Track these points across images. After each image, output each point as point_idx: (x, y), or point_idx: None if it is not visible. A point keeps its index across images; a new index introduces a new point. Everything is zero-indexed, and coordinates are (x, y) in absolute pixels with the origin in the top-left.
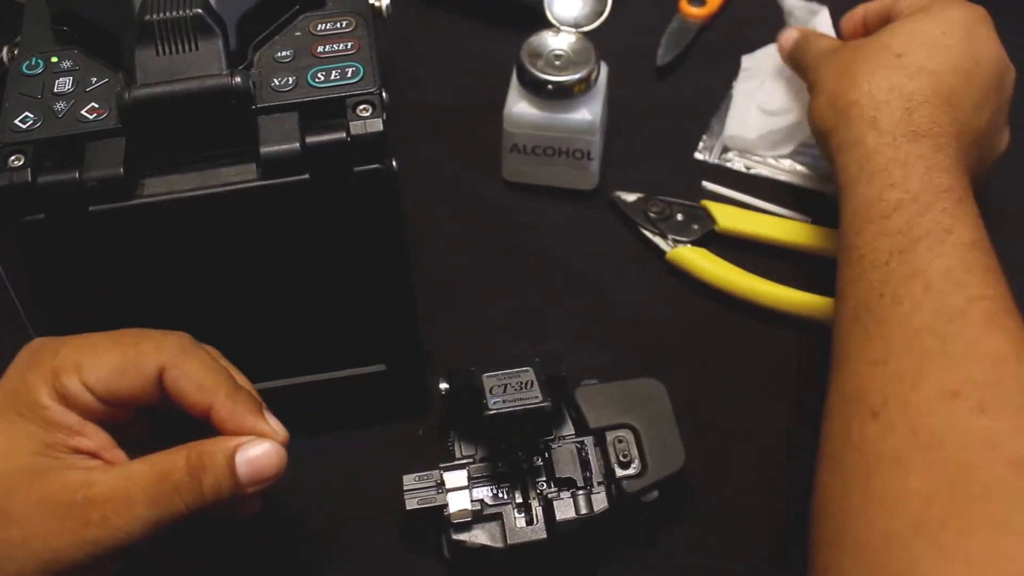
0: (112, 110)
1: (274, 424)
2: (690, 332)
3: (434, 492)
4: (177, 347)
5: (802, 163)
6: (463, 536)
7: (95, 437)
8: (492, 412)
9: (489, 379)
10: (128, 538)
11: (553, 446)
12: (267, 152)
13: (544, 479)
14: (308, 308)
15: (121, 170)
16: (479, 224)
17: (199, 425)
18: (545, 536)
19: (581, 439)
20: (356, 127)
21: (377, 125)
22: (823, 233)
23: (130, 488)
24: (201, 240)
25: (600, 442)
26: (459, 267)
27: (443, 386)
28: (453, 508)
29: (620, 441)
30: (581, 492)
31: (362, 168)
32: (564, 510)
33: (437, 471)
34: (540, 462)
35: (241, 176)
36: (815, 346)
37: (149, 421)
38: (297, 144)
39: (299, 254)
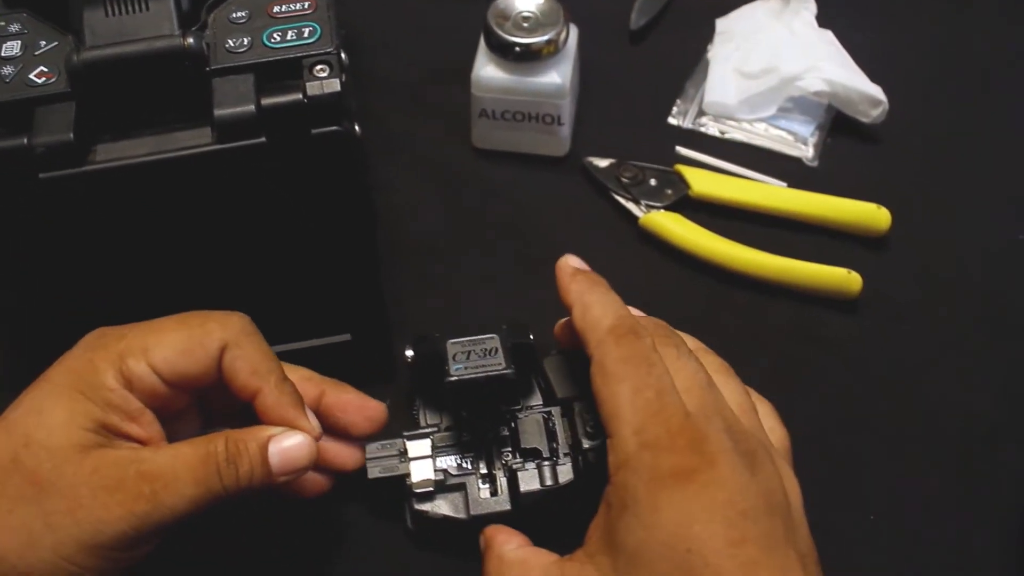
0: (62, 74)
1: (313, 420)
2: (663, 298)
3: (397, 461)
4: (240, 327)
5: (777, 127)
6: (425, 506)
7: (149, 428)
8: (454, 379)
9: (453, 346)
10: (172, 515)
11: (519, 416)
12: (221, 115)
13: (510, 449)
14: (270, 277)
15: (71, 135)
16: (448, 192)
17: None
18: (509, 508)
19: (548, 409)
20: (313, 88)
21: (334, 85)
22: (798, 197)
23: (178, 466)
24: (157, 207)
25: (567, 412)
26: (428, 235)
27: (409, 353)
28: (416, 478)
29: (588, 411)
30: (547, 463)
31: (320, 130)
32: (528, 481)
33: (400, 440)
34: (506, 432)
35: (196, 140)
36: (790, 311)
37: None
38: (252, 106)
39: (259, 221)
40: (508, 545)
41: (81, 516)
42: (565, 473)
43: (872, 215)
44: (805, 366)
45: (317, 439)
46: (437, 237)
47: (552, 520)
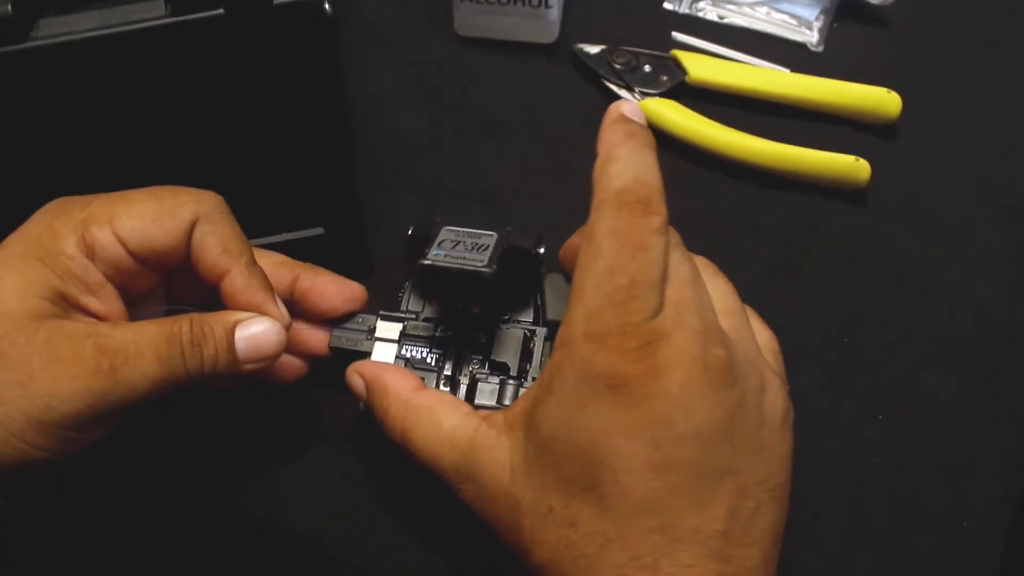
0: None
1: (281, 307)
2: None
3: (363, 337)
4: (214, 203)
5: (780, 11)
6: None
7: (109, 303)
8: (427, 262)
9: (447, 232)
10: (131, 395)
11: (501, 327)
12: None
13: (480, 358)
14: (237, 164)
15: (9, 7)
16: (429, 83)
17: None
18: None
19: (534, 328)
20: None
21: None
22: (803, 82)
23: (141, 343)
24: (107, 87)
25: (552, 336)
26: (407, 129)
27: (410, 231)
28: (374, 359)
29: None
30: (511, 382)
31: (283, 1)
32: (486, 396)
33: (374, 317)
34: (484, 340)
35: (148, 13)
36: (794, 201)
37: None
38: None
39: (221, 104)
40: (407, 386)
41: (32, 389)
42: None
43: (881, 100)
44: (810, 258)
45: (287, 328)
46: (417, 131)
47: None
